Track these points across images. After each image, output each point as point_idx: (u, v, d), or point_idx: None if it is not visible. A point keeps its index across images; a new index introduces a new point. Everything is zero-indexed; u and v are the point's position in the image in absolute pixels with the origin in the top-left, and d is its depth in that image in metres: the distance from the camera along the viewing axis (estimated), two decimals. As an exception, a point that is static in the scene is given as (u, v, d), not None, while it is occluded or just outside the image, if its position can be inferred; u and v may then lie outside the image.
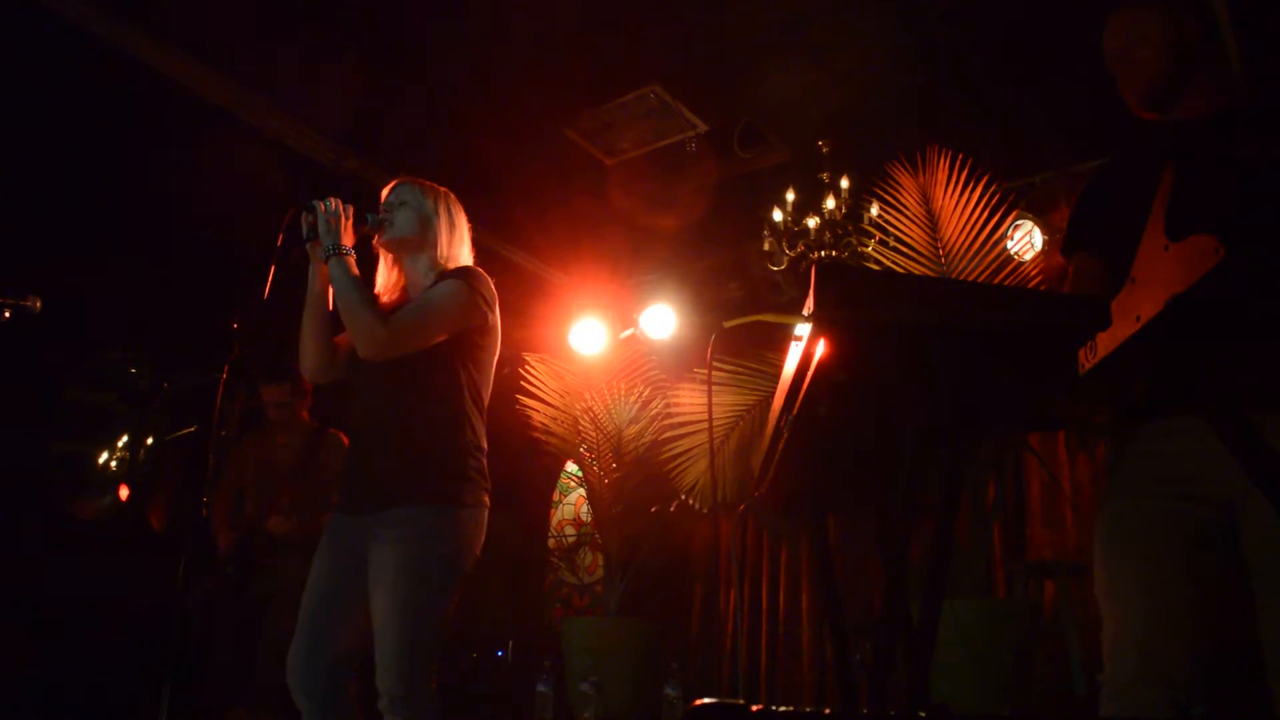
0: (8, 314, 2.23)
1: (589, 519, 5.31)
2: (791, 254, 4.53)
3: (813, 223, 4.50)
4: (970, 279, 3.44)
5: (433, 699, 2.07)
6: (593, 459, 4.66)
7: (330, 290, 2.19)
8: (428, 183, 2.38)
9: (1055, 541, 4.29)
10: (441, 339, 2.20)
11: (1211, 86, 1.68)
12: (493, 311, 2.29)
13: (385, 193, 2.36)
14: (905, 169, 3.71)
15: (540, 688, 4.39)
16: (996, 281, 3.53)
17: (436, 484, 2.14)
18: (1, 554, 3.48)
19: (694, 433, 4.19)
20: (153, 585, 3.57)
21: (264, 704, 3.35)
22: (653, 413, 4.51)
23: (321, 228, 2.14)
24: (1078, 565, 3.76)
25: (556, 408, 4.64)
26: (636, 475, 4.57)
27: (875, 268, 3.77)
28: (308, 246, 2.19)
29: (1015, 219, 3.88)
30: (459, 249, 2.36)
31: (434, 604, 2.08)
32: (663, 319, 4.83)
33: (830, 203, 4.47)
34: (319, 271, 2.21)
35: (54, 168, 3.77)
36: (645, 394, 4.57)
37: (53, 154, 3.73)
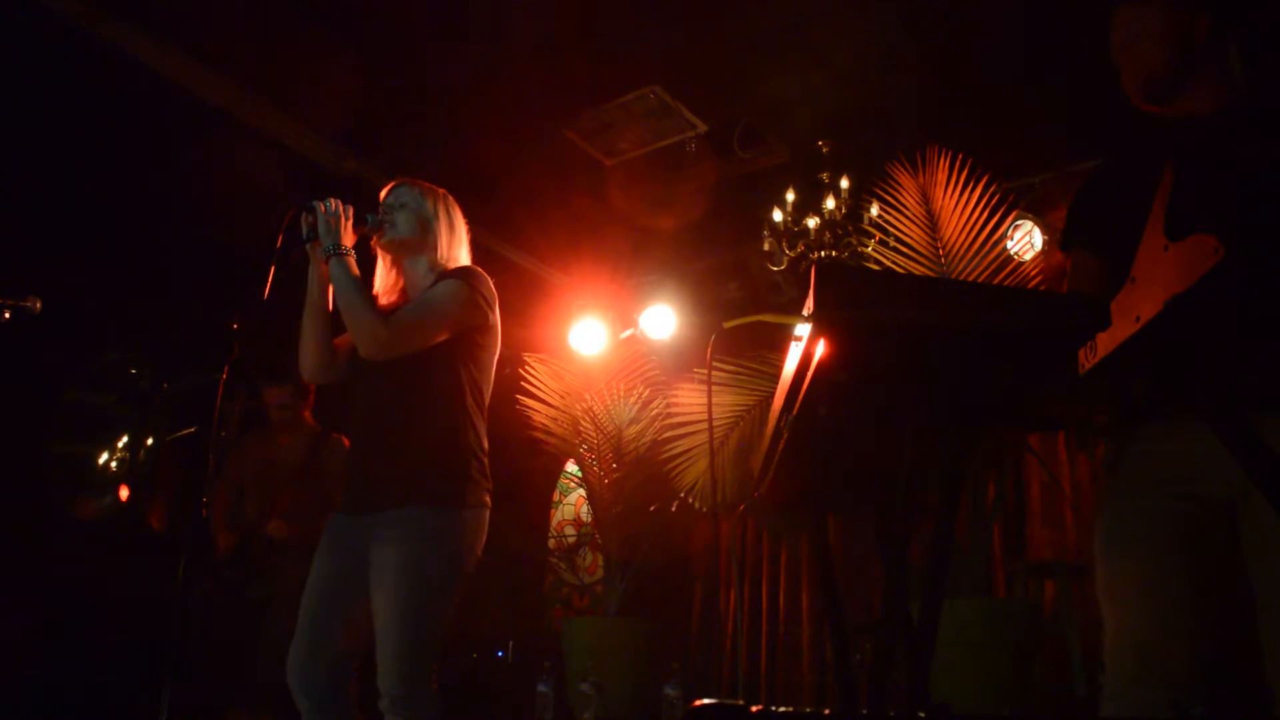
0: (8, 314, 2.24)
1: (589, 519, 5.31)
2: (791, 254, 4.53)
3: (813, 223, 4.50)
4: (970, 279, 3.44)
5: (433, 699, 2.07)
6: (593, 459, 4.66)
7: (330, 291, 2.19)
8: (427, 184, 2.38)
9: (1055, 541, 4.30)
10: (442, 338, 2.20)
11: (1215, 82, 1.68)
12: (493, 311, 2.30)
13: (384, 194, 2.37)
14: (905, 169, 3.71)
15: (540, 688, 4.39)
16: (996, 281, 3.53)
17: (438, 484, 2.14)
18: (1, 554, 3.48)
19: (694, 433, 4.19)
20: (153, 585, 3.57)
21: (264, 704, 3.34)
22: (653, 413, 4.52)
23: (321, 228, 2.14)
24: (1078, 565, 3.77)
25: (556, 408, 4.64)
26: (636, 475, 4.57)
27: (875, 268, 3.77)
28: (308, 247, 2.19)
29: (1015, 219, 3.89)
30: (458, 251, 2.37)
31: (435, 604, 2.08)
32: (663, 319, 4.83)
33: (830, 203, 4.47)
34: (319, 272, 2.21)
35: (54, 168, 3.77)
36: (645, 394, 4.57)
37: (53, 154, 3.73)
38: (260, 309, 2.10)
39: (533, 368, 4.65)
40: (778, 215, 4.55)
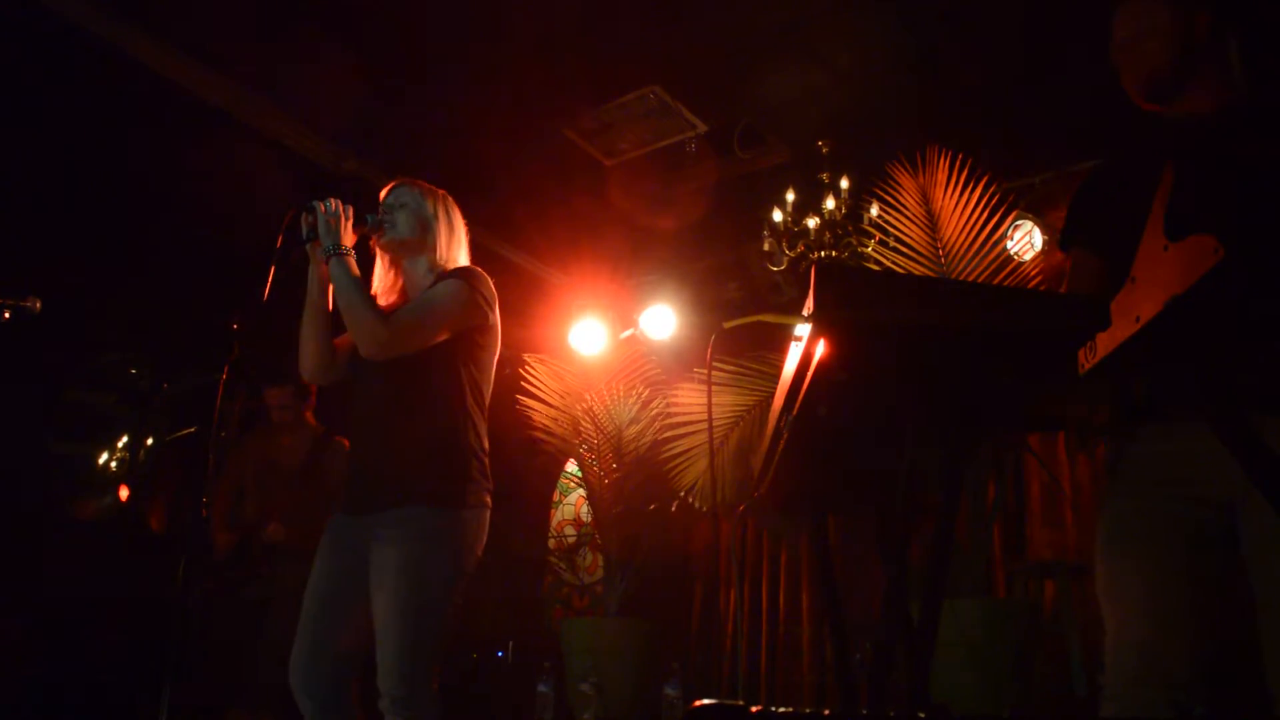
0: (8, 314, 2.24)
1: (589, 519, 5.31)
2: (791, 254, 4.53)
3: (812, 223, 4.50)
4: (970, 279, 3.44)
5: (434, 700, 2.07)
6: (593, 459, 4.66)
7: (330, 291, 2.19)
8: (426, 185, 2.38)
9: (1055, 541, 4.30)
10: (443, 338, 2.20)
11: (1216, 82, 1.68)
12: (493, 311, 2.30)
13: (384, 194, 2.37)
14: (905, 169, 3.71)
15: (540, 688, 4.39)
16: (996, 281, 3.53)
17: (439, 484, 2.14)
18: (1, 554, 3.48)
19: (694, 433, 4.19)
20: (153, 585, 3.57)
21: (265, 704, 3.34)
22: (653, 413, 4.51)
23: (321, 228, 2.14)
24: (1078, 565, 3.76)
25: (556, 408, 4.64)
26: (636, 475, 4.57)
27: (875, 268, 3.77)
28: (307, 247, 2.19)
29: (1015, 219, 3.89)
30: (458, 251, 2.37)
31: (436, 605, 2.08)
32: (662, 319, 4.83)
33: (830, 203, 4.47)
34: (319, 272, 2.21)
35: (54, 168, 3.78)
36: (645, 394, 4.57)
37: (53, 154, 3.74)
38: (260, 309, 2.09)
39: (533, 368, 4.65)
40: (778, 215, 4.55)
